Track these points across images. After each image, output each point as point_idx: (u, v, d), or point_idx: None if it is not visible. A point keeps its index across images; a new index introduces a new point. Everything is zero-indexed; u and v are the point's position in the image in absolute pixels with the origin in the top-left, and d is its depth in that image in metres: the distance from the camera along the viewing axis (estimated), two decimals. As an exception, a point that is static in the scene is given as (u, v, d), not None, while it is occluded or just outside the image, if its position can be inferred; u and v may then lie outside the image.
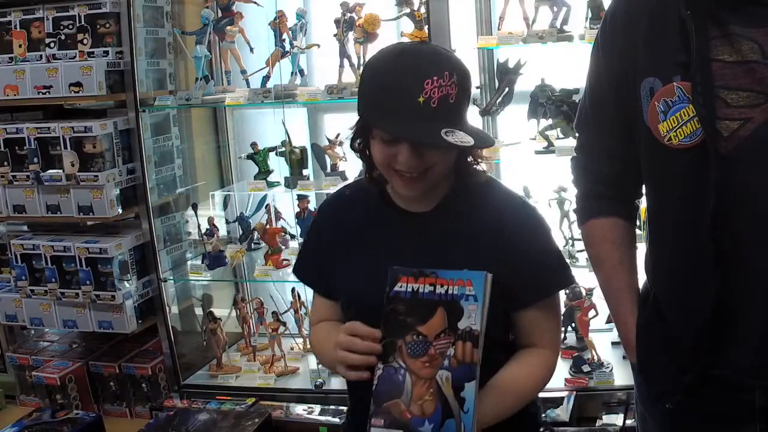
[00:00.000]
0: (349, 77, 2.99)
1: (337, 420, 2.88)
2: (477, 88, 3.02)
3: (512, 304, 1.63)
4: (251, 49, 3.23)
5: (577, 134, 1.75)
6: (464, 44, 2.86)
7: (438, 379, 1.50)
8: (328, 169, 3.17)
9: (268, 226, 3.27)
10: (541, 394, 2.74)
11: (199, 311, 3.52)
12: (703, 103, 1.40)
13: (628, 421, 2.63)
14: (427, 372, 1.50)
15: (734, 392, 1.48)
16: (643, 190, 1.65)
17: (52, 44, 3.12)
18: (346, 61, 3.00)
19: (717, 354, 1.48)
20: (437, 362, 1.50)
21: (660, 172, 1.53)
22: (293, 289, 3.28)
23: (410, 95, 1.46)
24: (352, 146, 1.66)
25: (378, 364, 1.53)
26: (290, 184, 3.19)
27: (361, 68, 2.64)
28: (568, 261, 2.86)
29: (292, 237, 3.29)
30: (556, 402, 2.76)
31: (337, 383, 3.09)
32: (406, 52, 1.53)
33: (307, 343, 3.29)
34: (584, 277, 2.93)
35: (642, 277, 1.69)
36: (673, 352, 1.54)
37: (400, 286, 1.54)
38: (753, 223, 1.40)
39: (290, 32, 3.09)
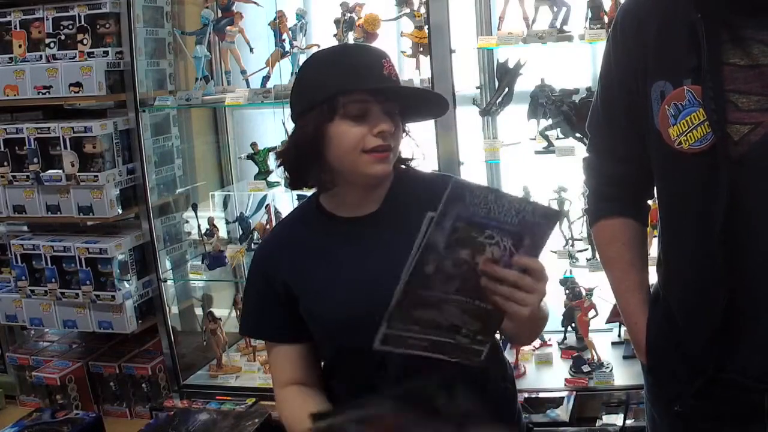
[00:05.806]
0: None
1: (337, 420, 2.87)
2: (477, 88, 3.03)
3: None
4: (251, 49, 3.23)
5: (589, 134, 1.75)
6: (464, 44, 2.87)
7: None
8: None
9: (268, 227, 3.26)
10: (541, 394, 2.82)
11: (199, 311, 3.52)
12: (713, 107, 1.40)
13: (628, 421, 2.64)
14: None
15: (743, 394, 1.49)
16: (655, 191, 1.65)
17: (52, 44, 3.11)
18: (346, 61, 2.99)
19: (727, 357, 1.48)
20: None
21: (670, 176, 1.53)
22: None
23: (378, 70, 1.61)
24: (300, 150, 1.66)
25: None
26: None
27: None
28: (567, 261, 2.92)
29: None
30: (556, 402, 2.77)
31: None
32: (351, 45, 1.64)
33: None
34: (584, 277, 2.95)
35: (653, 278, 1.70)
36: (684, 355, 1.54)
37: None
38: (764, 228, 1.41)
39: (290, 32, 3.09)
